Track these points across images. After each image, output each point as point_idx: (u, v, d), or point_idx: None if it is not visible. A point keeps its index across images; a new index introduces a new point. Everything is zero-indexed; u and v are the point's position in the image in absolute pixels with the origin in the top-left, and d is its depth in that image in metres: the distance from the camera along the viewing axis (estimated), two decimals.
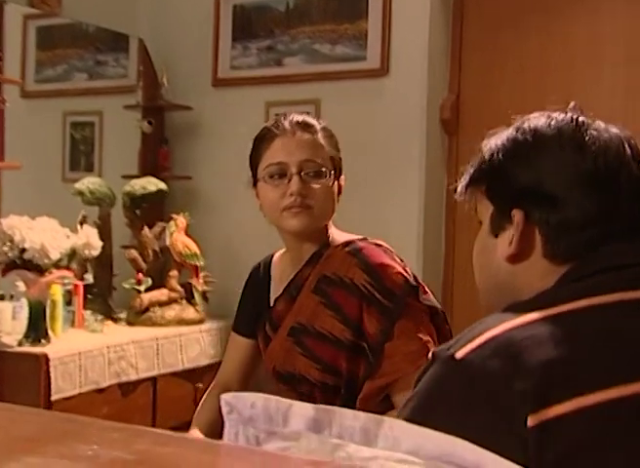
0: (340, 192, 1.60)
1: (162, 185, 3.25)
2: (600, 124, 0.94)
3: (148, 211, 3.28)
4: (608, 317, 0.84)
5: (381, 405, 1.49)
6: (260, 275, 1.70)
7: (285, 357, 1.59)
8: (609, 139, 0.92)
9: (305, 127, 1.55)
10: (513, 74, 3.11)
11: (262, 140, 1.57)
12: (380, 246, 1.60)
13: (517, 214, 0.92)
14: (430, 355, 0.87)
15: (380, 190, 3.21)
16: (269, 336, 1.64)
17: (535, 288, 0.91)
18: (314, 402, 1.54)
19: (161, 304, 3.13)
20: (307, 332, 1.56)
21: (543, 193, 0.91)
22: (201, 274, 3.19)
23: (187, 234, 3.17)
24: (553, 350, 0.78)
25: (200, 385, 3.14)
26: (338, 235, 1.63)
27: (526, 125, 0.95)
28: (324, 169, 1.54)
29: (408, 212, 3.14)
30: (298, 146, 1.53)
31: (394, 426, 0.61)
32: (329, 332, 1.53)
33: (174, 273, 3.19)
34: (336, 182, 1.57)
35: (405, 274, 1.52)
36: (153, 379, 2.95)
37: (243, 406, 0.64)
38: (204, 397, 1.73)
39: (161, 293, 3.15)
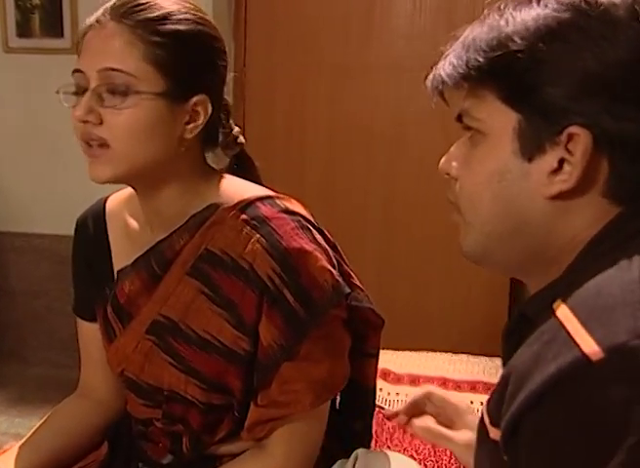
0: (192, 120, 1.03)
1: None
2: None
3: None
4: None
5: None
6: (91, 232, 1.19)
7: (144, 364, 1.11)
8: None
9: (127, 12, 0.99)
10: None
11: (80, 34, 1.04)
12: (294, 214, 1.07)
13: (582, 134, 0.65)
14: (554, 374, 0.58)
15: None
16: (113, 328, 1.14)
17: (579, 238, 0.69)
18: (188, 426, 1.13)
19: None
20: (180, 334, 1.08)
21: (625, 96, 0.63)
22: None
23: None
24: None
25: None
26: (228, 185, 1.11)
27: None
28: (134, 83, 0.98)
29: None
30: (103, 47, 0.99)
31: None
32: (215, 339, 1.06)
33: None
34: (175, 105, 1.01)
35: (332, 271, 1.04)
36: None
37: None
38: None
39: None
